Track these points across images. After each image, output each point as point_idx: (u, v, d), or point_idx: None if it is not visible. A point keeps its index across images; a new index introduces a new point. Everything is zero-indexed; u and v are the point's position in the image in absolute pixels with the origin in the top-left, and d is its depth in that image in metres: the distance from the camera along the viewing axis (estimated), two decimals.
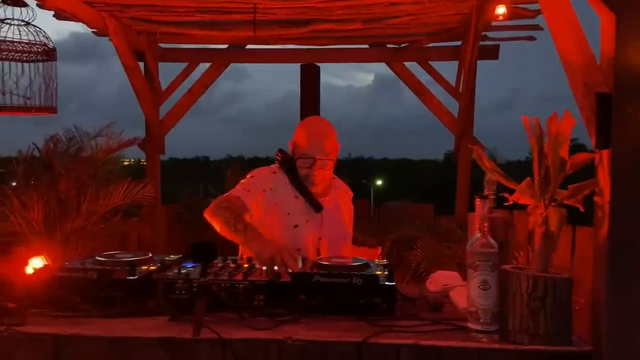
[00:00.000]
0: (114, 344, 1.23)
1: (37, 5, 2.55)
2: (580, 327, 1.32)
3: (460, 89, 4.03)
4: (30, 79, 2.36)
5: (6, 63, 2.34)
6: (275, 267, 1.50)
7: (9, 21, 2.32)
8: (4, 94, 2.29)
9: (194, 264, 1.66)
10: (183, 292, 1.44)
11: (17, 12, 2.38)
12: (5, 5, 2.35)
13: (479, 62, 3.84)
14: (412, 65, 4.41)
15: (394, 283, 1.46)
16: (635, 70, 1.10)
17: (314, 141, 1.90)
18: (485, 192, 1.67)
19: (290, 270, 1.50)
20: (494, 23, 3.35)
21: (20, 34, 2.43)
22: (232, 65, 4.71)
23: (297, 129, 2.00)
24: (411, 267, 3.39)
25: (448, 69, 4.36)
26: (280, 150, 1.99)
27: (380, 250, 2.04)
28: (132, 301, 1.46)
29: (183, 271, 1.54)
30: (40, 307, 1.41)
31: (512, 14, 3.07)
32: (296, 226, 1.91)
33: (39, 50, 2.32)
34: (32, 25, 2.39)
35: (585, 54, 1.23)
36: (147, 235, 3.80)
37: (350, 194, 2.17)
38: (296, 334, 1.24)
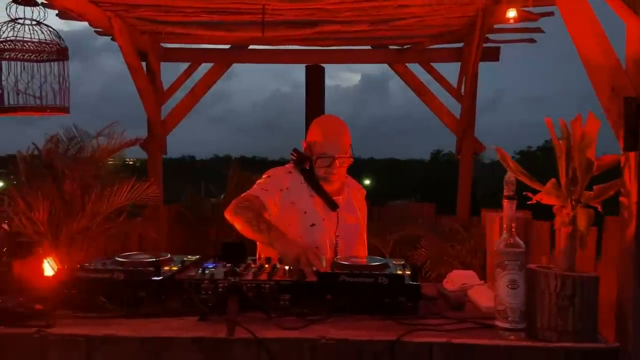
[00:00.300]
0: (147, 344, 1.23)
1: (44, 4, 2.53)
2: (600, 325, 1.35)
3: (462, 90, 4.07)
4: (43, 79, 2.34)
5: (19, 63, 2.31)
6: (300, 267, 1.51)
7: (20, 21, 2.30)
8: (18, 94, 2.27)
9: (214, 264, 1.67)
10: (209, 292, 1.46)
11: (28, 11, 2.36)
12: (16, 5, 2.33)
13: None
14: (412, 66, 4.45)
15: (418, 282, 1.49)
16: None
17: (331, 140, 1.92)
18: (505, 193, 1.71)
19: (314, 270, 1.52)
20: (496, 26, 3.39)
21: (31, 34, 2.41)
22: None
23: (312, 128, 2.01)
24: (416, 267, 3.42)
25: (447, 70, 4.41)
26: (295, 150, 2.01)
27: None
28: (157, 301, 1.47)
29: (207, 271, 1.55)
30: (65, 309, 1.42)
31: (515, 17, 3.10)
32: (313, 225, 1.93)
33: (52, 49, 2.31)
34: (44, 24, 2.37)
35: (611, 58, 1.26)
36: (151, 235, 3.78)
37: (363, 192, 2.19)
38: (327, 333, 1.26)
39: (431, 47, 4.15)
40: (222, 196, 5.17)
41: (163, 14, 3.45)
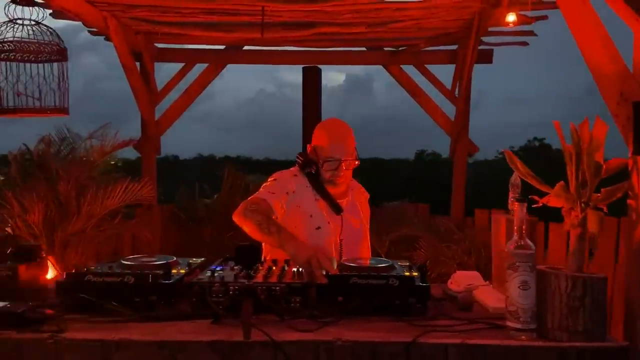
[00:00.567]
0: (163, 348, 1.23)
1: (41, 4, 2.50)
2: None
3: (457, 92, 4.12)
4: (44, 80, 2.31)
5: (19, 64, 2.28)
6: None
7: (19, 21, 2.27)
8: (18, 95, 2.23)
9: (222, 267, 1.67)
10: (220, 295, 1.46)
11: (26, 12, 2.33)
12: (15, 5, 2.30)
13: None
14: (406, 68, 4.48)
15: (428, 284, 1.51)
16: None
17: (337, 143, 1.93)
18: (511, 195, 1.74)
19: (324, 272, 1.53)
20: (490, 29, 3.43)
21: (28, 34, 2.38)
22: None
23: (318, 132, 2.02)
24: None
25: (440, 72, 4.46)
26: (301, 154, 2.02)
27: None
28: (167, 305, 1.47)
29: (216, 274, 1.55)
30: (75, 313, 1.41)
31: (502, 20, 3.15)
32: (318, 228, 1.94)
33: (53, 50, 2.28)
34: (43, 24, 2.34)
35: (619, 64, 1.29)
36: (146, 236, 3.76)
37: (367, 195, 2.21)
38: (341, 335, 1.27)
39: (426, 49, 4.18)
40: (215, 196, 5.16)
41: (160, 14, 3.42)
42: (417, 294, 1.48)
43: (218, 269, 1.63)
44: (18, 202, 3.13)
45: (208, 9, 3.27)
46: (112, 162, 4.34)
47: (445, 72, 4.37)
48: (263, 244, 1.94)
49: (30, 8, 2.30)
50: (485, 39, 3.98)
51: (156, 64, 4.51)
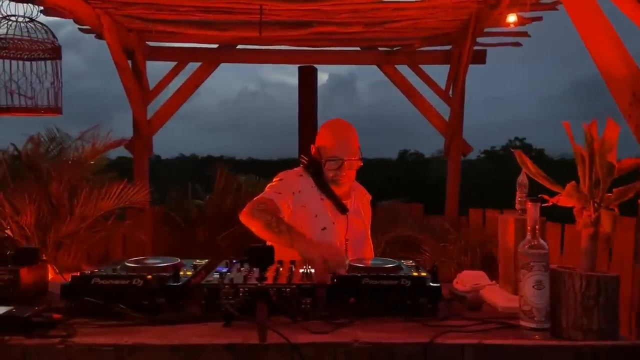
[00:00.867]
0: (178, 351, 1.20)
1: (35, 1, 2.44)
2: None
3: (451, 92, 4.14)
4: (37, 78, 2.25)
5: (12, 62, 2.22)
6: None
7: (13, 18, 2.21)
8: (11, 94, 2.18)
9: (227, 268, 1.65)
10: (230, 297, 1.44)
11: (20, 9, 2.27)
12: (8, 1, 2.24)
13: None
14: (401, 68, 4.49)
15: (439, 284, 1.51)
16: None
17: (341, 143, 1.94)
18: (518, 195, 1.75)
19: (334, 273, 1.52)
20: (485, 29, 3.46)
21: (22, 31, 2.32)
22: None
23: (321, 132, 2.02)
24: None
25: (433, 72, 4.47)
26: (306, 154, 2.02)
27: None
28: (175, 308, 1.44)
29: (224, 276, 1.53)
30: (80, 317, 1.37)
31: (502, 21, 3.17)
32: (324, 229, 1.94)
33: (47, 47, 2.22)
34: (37, 22, 2.29)
35: (630, 65, 1.30)
36: (140, 238, 3.70)
37: (369, 196, 2.21)
38: (357, 337, 1.26)
39: (420, 49, 4.20)
40: (208, 197, 5.10)
41: (155, 12, 3.37)
42: (429, 294, 1.47)
43: (224, 270, 1.61)
44: (9, 203, 3.06)
45: (204, 7, 3.23)
46: (105, 163, 4.28)
47: (437, 73, 4.40)
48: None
49: (24, 5, 2.24)
50: (478, 39, 4.02)
51: (147, 63, 4.45)
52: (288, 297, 1.44)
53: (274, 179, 1.99)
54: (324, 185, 1.97)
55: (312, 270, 1.61)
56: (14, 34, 2.30)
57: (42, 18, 3.99)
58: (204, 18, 3.48)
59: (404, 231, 3.86)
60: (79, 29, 3.90)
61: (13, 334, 1.24)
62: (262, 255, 1.43)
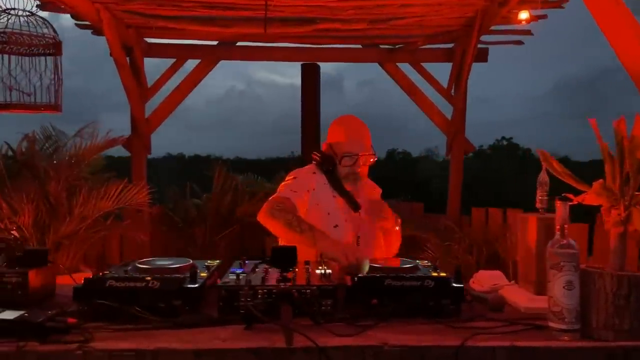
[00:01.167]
0: (202, 356, 1.16)
1: None
2: None
3: (453, 91, 4.12)
4: (38, 74, 2.18)
5: (12, 57, 2.15)
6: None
7: (14, 11, 2.14)
8: (10, 90, 2.10)
9: (242, 269, 1.60)
10: (249, 299, 1.40)
11: (20, 2, 2.20)
12: None
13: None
14: (402, 66, 4.46)
15: (462, 285, 1.48)
16: None
17: (355, 138, 1.92)
18: (539, 193, 1.73)
19: (356, 273, 1.48)
20: (492, 27, 3.44)
21: (21, 26, 2.25)
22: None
23: (334, 129, 1.99)
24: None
25: (434, 70, 4.45)
26: (318, 151, 1.98)
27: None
28: (193, 310, 1.40)
29: (241, 277, 1.49)
30: (93, 321, 1.32)
31: (511, 19, 3.16)
32: (336, 226, 1.91)
33: (49, 42, 2.15)
34: (38, 16, 2.22)
35: None
36: (141, 238, 3.63)
37: (379, 190, 2.17)
38: (384, 339, 1.22)
39: (422, 47, 4.17)
40: (205, 196, 5.04)
41: (156, 7, 3.31)
42: (452, 295, 1.44)
43: (239, 271, 1.57)
44: (7, 204, 2.98)
45: (207, 2, 3.17)
46: (102, 162, 4.20)
47: (438, 71, 4.37)
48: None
49: None
50: (481, 37, 4.00)
51: (144, 60, 4.37)
52: (309, 298, 1.40)
53: (287, 177, 1.95)
54: (337, 183, 1.94)
55: (329, 271, 1.57)
56: (12, 28, 2.22)
57: (39, 13, 3.90)
58: (206, 14, 3.42)
59: (406, 231, 3.82)
60: (76, 24, 3.81)
61: (27, 340, 1.19)
62: (285, 256, 1.38)
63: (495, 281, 1.80)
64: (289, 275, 1.44)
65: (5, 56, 2.20)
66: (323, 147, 2.03)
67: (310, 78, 3.80)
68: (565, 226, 1.32)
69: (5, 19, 2.13)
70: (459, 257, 3.37)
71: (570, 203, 1.42)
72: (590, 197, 1.36)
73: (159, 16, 3.49)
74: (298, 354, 1.17)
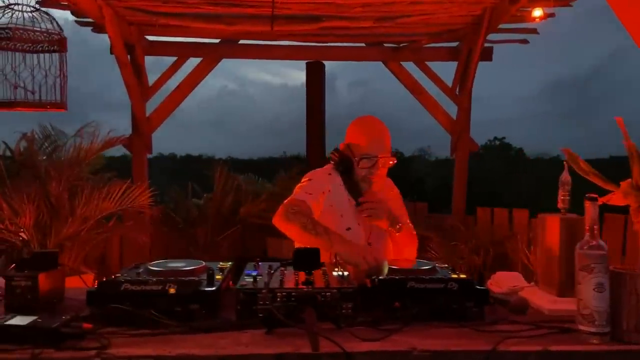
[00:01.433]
0: None
1: None
2: None
3: (458, 90, 4.09)
4: (43, 72, 2.12)
5: (16, 53, 2.09)
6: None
7: (18, 7, 2.08)
8: (15, 87, 2.04)
9: (257, 271, 1.56)
10: (267, 302, 1.36)
11: None
12: None
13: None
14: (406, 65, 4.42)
15: (486, 287, 1.44)
16: None
17: (374, 140, 1.87)
18: (561, 193, 1.69)
19: (375, 276, 1.45)
20: (501, 25, 3.41)
21: (24, 21, 2.19)
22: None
23: (353, 129, 1.95)
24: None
25: (436, 69, 4.42)
26: (337, 150, 1.94)
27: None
28: (210, 314, 1.36)
29: (258, 280, 1.45)
30: (108, 326, 1.27)
31: (518, 17, 3.14)
32: (349, 229, 1.87)
33: (54, 39, 2.10)
34: (42, 11, 2.16)
35: None
36: (143, 240, 3.57)
37: (396, 190, 2.12)
38: (411, 344, 1.19)
39: (427, 45, 4.14)
40: (205, 195, 4.98)
41: (160, 4, 3.25)
42: (476, 298, 1.41)
43: (254, 273, 1.53)
44: (7, 204, 2.91)
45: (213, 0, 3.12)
46: (102, 162, 4.13)
47: (440, 70, 4.35)
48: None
49: None
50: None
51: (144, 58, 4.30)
52: (329, 301, 1.37)
53: (303, 179, 1.92)
54: (353, 185, 1.90)
55: (346, 273, 1.54)
56: (16, 24, 2.16)
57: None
58: (210, 11, 3.36)
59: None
60: (76, 21, 3.75)
61: (41, 347, 1.14)
62: (308, 259, 1.34)
63: (514, 282, 1.77)
64: (311, 278, 1.40)
65: (10, 53, 2.14)
66: (341, 147, 1.98)
67: (315, 76, 3.76)
68: (595, 227, 1.29)
69: (9, 14, 2.07)
70: (465, 258, 3.34)
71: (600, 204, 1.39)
72: (617, 197, 1.34)
73: (162, 13, 3.43)
74: (324, 359, 1.14)
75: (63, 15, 3.71)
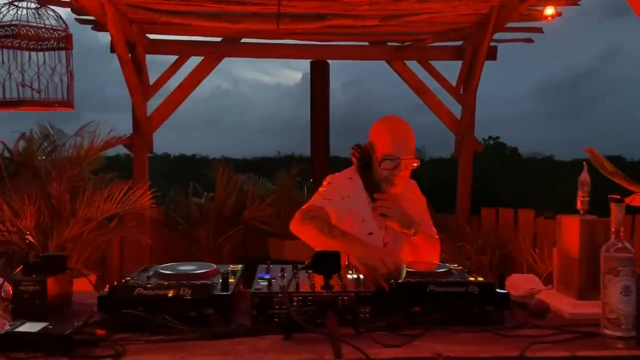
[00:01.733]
0: None
1: None
2: None
3: (462, 89, 4.06)
4: (50, 70, 2.07)
5: (22, 51, 2.04)
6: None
7: (23, 4, 2.03)
8: (22, 86, 1.99)
9: (269, 274, 1.53)
10: (283, 307, 1.32)
11: None
12: None
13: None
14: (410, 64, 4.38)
15: (507, 291, 1.41)
16: None
17: (398, 141, 1.82)
18: (580, 194, 1.66)
19: (393, 280, 1.41)
20: (510, 24, 3.38)
21: (28, 18, 2.14)
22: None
23: (377, 128, 1.89)
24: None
25: (441, 68, 4.38)
26: (358, 146, 1.89)
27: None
28: (225, 319, 1.32)
29: (273, 283, 1.41)
30: (119, 332, 1.23)
31: (525, 16, 3.11)
32: (371, 233, 1.84)
33: (61, 36, 2.05)
34: (48, 7, 2.11)
35: None
36: (147, 241, 3.51)
37: (419, 194, 2.04)
38: (434, 349, 1.15)
39: (431, 44, 4.10)
40: (205, 195, 4.93)
41: (163, 2, 3.20)
42: (497, 301, 1.38)
43: (267, 276, 1.49)
44: (8, 206, 2.85)
45: None
46: (102, 162, 4.08)
47: (442, 69, 4.31)
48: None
49: None
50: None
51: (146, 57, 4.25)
52: (346, 306, 1.33)
53: (324, 182, 1.89)
54: (373, 185, 1.86)
55: (361, 276, 1.50)
56: (19, 21, 2.11)
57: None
58: (214, 9, 3.32)
59: None
60: (76, 19, 3.70)
61: (54, 355, 1.10)
62: (328, 262, 1.31)
63: (531, 285, 1.74)
64: (331, 282, 1.36)
65: (15, 50, 2.09)
66: (365, 144, 1.94)
67: (320, 75, 3.72)
68: (621, 229, 1.26)
69: (13, 11, 2.02)
70: (472, 258, 3.31)
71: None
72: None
73: (164, 11, 3.38)
74: None
75: (62, 13, 3.66)
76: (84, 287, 1.84)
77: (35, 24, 2.11)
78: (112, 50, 3.80)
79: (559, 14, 3.19)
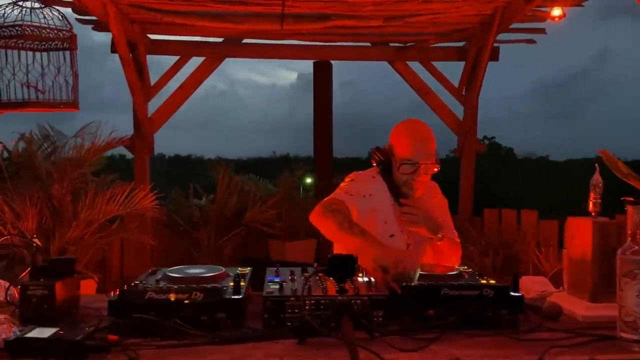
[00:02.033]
0: None
1: None
2: None
3: (464, 90, 4.06)
4: (56, 70, 2.05)
5: (24, 52, 2.01)
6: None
7: (27, 4, 2.01)
8: (28, 87, 1.97)
9: (279, 277, 1.51)
10: (296, 310, 1.31)
11: None
12: None
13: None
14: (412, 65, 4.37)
15: (521, 294, 1.40)
16: None
17: (417, 145, 1.79)
18: (592, 196, 1.65)
19: (406, 282, 1.40)
20: (513, 25, 3.38)
21: (31, 18, 2.12)
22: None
23: (397, 131, 1.87)
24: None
25: (443, 69, 4.37)
26: (378, 148, 1.87)
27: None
28: (237, 323, 1.30)
29: (284, 287, 1.39)
30: (129, 336, 1.21)
31: (529, 17, 3.11)
32: (392, 235, 1.82)
33: (66, 36, 2.03)
34: (52, 7, 2.09)
35: None
36: (150, 243, 3.48)
37: (440, 197, 2.01)
38: (451, 354, 1.14)
39: (433, 45, 4.09)
40: (205, 196, 4.90)
41: (166, 2, 3.18)
42: (511, 304, 1.37)
43: (277, 279, 1.48)
44: (9, 207, 2.82)
45: None
46: (103, 163, 4.05)
47: (443, 69, 4.30)
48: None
49: None
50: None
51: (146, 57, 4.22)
52: (360, 309, 1.32)
53: (346, 178, 1.88)
54: (394, 188, 1.83)
55: (372, 279, 1.49)
56: (23, 21, 2.09)
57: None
58: (217, 9, 3.30)
59: None
60: (77, 19, 3.67)
61: None
62: (344, 266, 1.29)
63: (542, 287, 1.73)
64: (345, 285, 1.35)
65: (21, 52, 2.06)
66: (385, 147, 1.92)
67: (323, 75, 3.70)
68: (638, 232, 1.25)
69: (17, 11, 2.00)
70: (475, 260, 3.30)
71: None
72: None
73: (167, 11, 3.36)
74: None
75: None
76: (86, 290, 1.82)
77: (39, 24, 2.09)
78: (113, 50, 3.78)
79: (564, 15, 3.19)
